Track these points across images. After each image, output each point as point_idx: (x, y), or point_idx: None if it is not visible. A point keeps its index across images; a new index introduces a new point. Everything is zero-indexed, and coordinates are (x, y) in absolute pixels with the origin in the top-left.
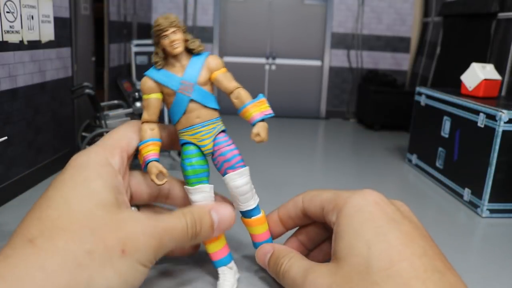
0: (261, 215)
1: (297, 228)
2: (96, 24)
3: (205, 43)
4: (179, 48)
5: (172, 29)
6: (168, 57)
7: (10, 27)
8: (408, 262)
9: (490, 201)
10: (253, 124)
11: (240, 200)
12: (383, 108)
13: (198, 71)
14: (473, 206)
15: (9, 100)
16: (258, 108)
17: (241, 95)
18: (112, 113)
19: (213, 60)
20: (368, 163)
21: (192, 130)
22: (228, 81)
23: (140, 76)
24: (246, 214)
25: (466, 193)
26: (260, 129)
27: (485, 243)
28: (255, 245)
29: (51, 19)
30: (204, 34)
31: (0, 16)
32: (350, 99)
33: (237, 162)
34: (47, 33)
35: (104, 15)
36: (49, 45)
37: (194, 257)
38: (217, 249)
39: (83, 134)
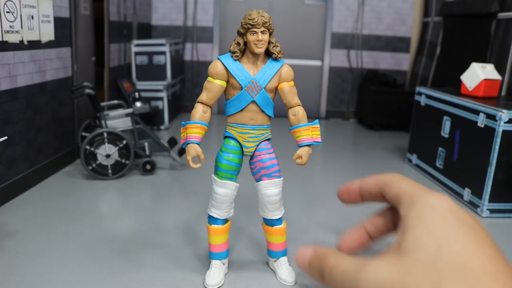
0: (282, 225)
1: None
2: (96, 24)
3: (205, 43)
4: (262, 49)
5: (263, 28)
6: (245, 51)
7: (10, 27)
8: (480, 262)
9: (490, 201)
10: (300, 146)
11: (268, 208)
12: (383, 108)
13: (270, 77)
14: (473, 206)
15: (9, 100)
16: (310, 133)
17: (299, 113)
18: (112, 113)
19: (287, 71)
20: (368, 163)
21: (242, 129)
22: (292, 96)
23: (140, 76)
24: (268, 222)
25: (466, 193)
26: (304, 153)
27: None
28: (270, 252)
29: (51, 19)
30: (204, 34)
31: (0, 16)
32: (350, 99)
33: (274, 172)
34: (47, 33)
35: (104, 15)
36: (49, 45)
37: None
38: (219, 242)
39: (83, 134)
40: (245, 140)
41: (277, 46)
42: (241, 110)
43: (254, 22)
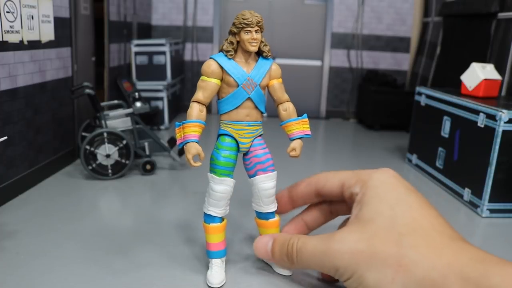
0: (276, 218)
1: (301, 210)
2: (96, 24)
3: (205, 43)
4: (256, 47)
5: (256, 28)
6: (237, 51)
7: (10, 27)
8: (427, 219)
9: (490, 201)
10: (292, 139)
11: (264, 202)
12: (383, 108)
13: (263, 74)
14: (473, 206)
15: (9, 100)
16: (300, 126)
17: (290, 109)
18: (112, 113)
19: (276, 69)
20: (368, 163)
21: (239, 126)
22: (282, 92)
23: (140, 76)
24: (263, 216)
25: (466, 193)
26: (297, 146)
27: (485, 243)
28: None
29: (51, 19)
30: (204, 34)
31: (0, 16)
32: (350, 99)
33: (269, 166)
34: (47, 33)
35: (104, 15)
36: (49, 45)
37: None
38: (218, 240)
39: (83, 134)
40: (241, 137)
41: (266, 45)
42: (237, 107)
43: (249, 22)
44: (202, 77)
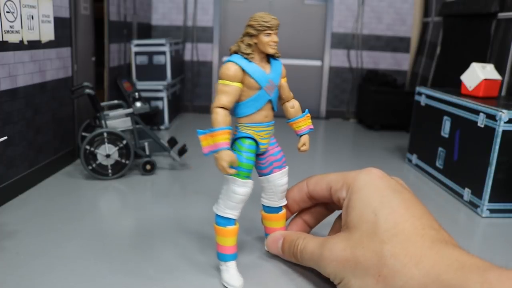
0: (284, 211)
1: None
2: (96, 24)
3: (205, 43)
4: (275, 49)
5: (276, 30)
6: (254, 52)
7: (10, 27)
8: (409, 222)
9: (490, 201)
10: (300, 135)
11: (279, 196)
12: (383, 108)
13: (280, 75)
14: (473, 206)
15: (9, 100)
16: (306, 122)
17: (296, 106)
18: (112, 113)
19: (283, 68)
20: (368, 163)
21: (259, 127)
22: (288, 90)
23: (140, 76)
24: (274, 210)
25: (466, 193)
26: (306, 141)
27: (485, 243)
28: None
29: (51, 19)
30: (204, 34)
31: (0, 16)
32: (350, 99)
33: (283, 162)
34: (47, 33)
35: (104, 15)
36: (49, 45)
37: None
38: (233, 243)
39: (83, 134)
40: (262, 138)
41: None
42: (259, 109)
43: (270, 25)
44: (223, 81)
